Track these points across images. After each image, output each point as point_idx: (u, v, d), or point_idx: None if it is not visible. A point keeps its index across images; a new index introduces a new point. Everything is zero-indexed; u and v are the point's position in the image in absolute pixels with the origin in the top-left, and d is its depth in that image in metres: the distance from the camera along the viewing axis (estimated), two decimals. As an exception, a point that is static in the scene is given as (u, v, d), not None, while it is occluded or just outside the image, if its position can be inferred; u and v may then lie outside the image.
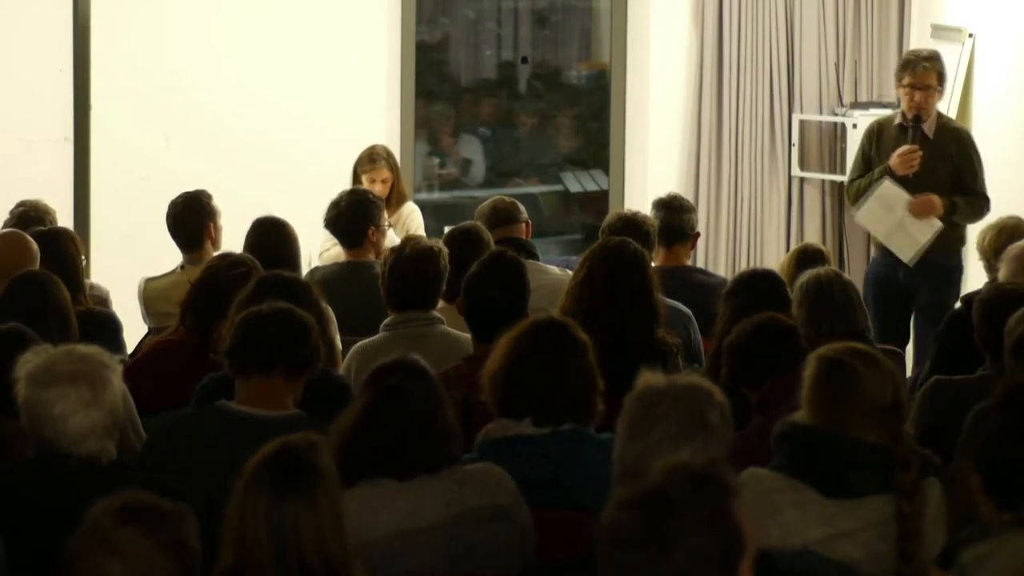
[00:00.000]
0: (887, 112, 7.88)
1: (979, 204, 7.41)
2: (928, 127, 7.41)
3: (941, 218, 7.34)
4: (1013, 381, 3.77)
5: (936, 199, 7.32)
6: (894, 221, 7.37)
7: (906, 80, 7.38)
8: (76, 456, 3.81)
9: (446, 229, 7.63)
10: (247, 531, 3.06)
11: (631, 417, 3.28)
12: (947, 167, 7.39)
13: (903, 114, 7.47)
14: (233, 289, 5.02)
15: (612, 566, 2.46)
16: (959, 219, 7.44)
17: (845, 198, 8.24)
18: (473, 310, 5.08)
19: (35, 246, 5.86)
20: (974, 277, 7.38)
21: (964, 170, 7.42)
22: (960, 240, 7.58)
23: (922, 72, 7.34)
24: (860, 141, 7.87)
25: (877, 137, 7.59)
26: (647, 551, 2.43)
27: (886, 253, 7.55)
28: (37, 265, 5.73)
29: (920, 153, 7.31)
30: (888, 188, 7.34)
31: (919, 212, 7.32)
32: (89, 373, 3.84)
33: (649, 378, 3.36)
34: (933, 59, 7.41)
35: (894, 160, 7.34)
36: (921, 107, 7.36)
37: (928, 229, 7.34)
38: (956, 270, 7.56)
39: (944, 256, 7.46)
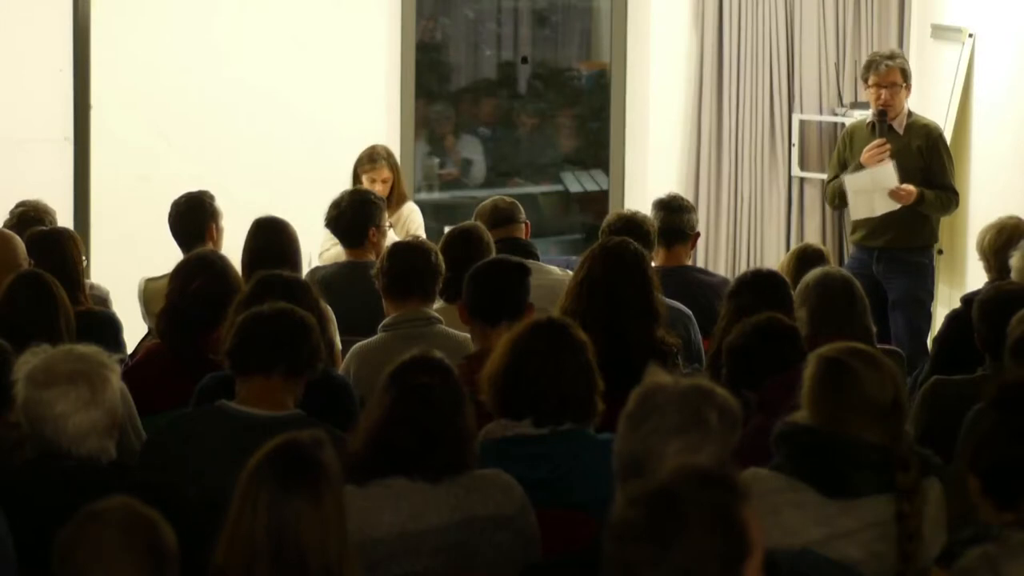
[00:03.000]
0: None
1: (948, 198, 7.60)
2: (898, 124, 7.60)
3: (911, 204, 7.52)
4: (1005, 381, 3.76)
5: (912, 190, 7.45)
6: (870, 190, 7.51)
7: (871, 80, 7.60)
8: (76, 456, 3.81)
9: (446, 229, 7.64)
10: (243, 527, 3.03)
11: (629, 409, 3.29)
12: (917, 162, 7.55)
13: (873, 114, 7.65)
14: (198, 305, 5.05)
15: (616, 561, 2.47)
16: (928, 210, 7.58)
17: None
18: (479, 292, 5.06)
19: (22, 244, 5.85)
20: (974, 277, 7.40)
21: (933, 165, 7.59)
22: (932, 236, 7.76)
23: (885, 71, 7.55)
24: (836, 144, 8.07)
25: (850, 140, 7.79)
26: (649, 547, 2.44)
27: (861, 248, 7.75)
28: (26, 262, 5.72)
29: (889, 146, 7.49)
30: (888, 170, 7.45)
31: (897, 198, 7.47)
32: (88, 373, 3.84)
33: (656, 375, 3.36)
34: (895, 57, 7.65)
35: (864, 156, 7.52)
36: (887, 103, 7.56)
37: (887, 207, 7.49)
38: (928, 266, 7.73)
39: (916, 252, 7.67)
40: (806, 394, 3.74)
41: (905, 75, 7.59)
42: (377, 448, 3.66)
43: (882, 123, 7.56)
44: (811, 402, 3.72)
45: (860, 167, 7.55)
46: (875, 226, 7.61)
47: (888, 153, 7.47)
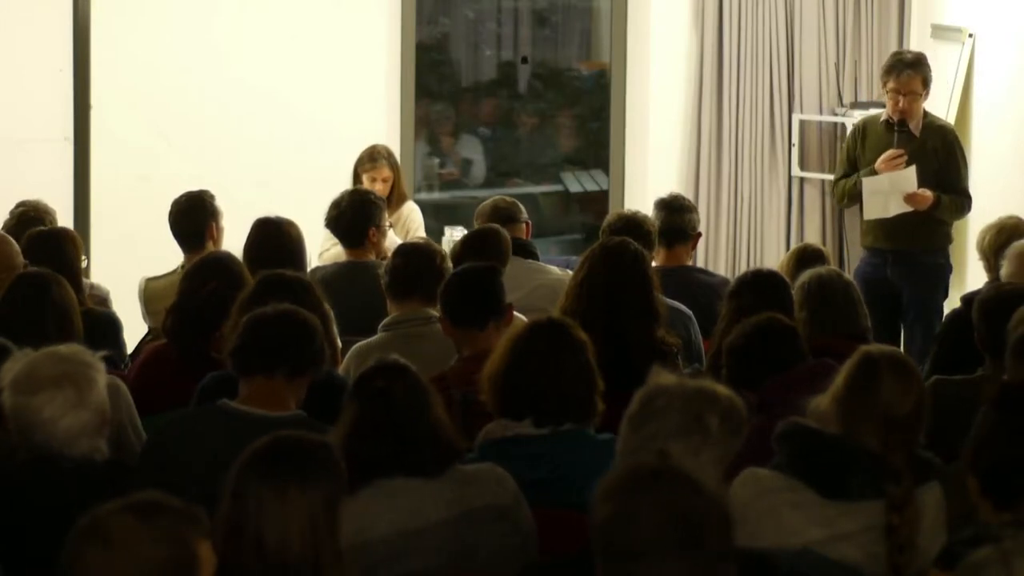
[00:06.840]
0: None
1: (962, 202, 7.48)
2: (914, 126, 7.45)
3: (925, 209, 7.39)
4: (1005, 381, 3.77)
5: (929, 195, 7.35)
6: (887, 192, 7.38)
7: (890, 85, 7.41)
8: (70, 458, 3.79)
9: (446, 229, 7.65)
10: (222, 516, 3.05)
11: (632, 410, 3.30)
12: (932, 165, 7.42)
13: (888, 114, 7.50)
14: (210, 307, 5.05)
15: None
16: (942, 215, 7.46)
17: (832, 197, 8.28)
18: (463, 300, 5.05)
19: (16, 245, 5.85)
20: (974, 277, 7.39)
21: (948, 168, 7.46)
22: (947, 238, 7.62)
23: (906, 79, 7.37)
24: (845, 141, 7.91)
25: (862, 136, 7.61)
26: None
27: (874, 252, 7.60)
28: (21, 264, 5.72)
29: (905, 157, 7.35)
30: (908, 174, 7.35)
31: (912, 203, 7.35)
32: (73, 374, 3.82)
33: (662, 377, 3.37)
34: (917, 65, 7.41)
35: (879, 164, 7.38)
36: (905, 112, 7.40)
37: (900, 209, 7.35)
38: (943, 269, 7.60)
39: (931, 254, 7.53)
40: (836, 384, 3.74)
41: (925, 83, 7.40)
42: (353, 460, 3.65)
43: (901, 131, 7.40)
44: (834, 393, 3.72)
45: (874, 172, 7.38)
46: (888, 229, 7.44)
47: (903, 164, 7.33)
